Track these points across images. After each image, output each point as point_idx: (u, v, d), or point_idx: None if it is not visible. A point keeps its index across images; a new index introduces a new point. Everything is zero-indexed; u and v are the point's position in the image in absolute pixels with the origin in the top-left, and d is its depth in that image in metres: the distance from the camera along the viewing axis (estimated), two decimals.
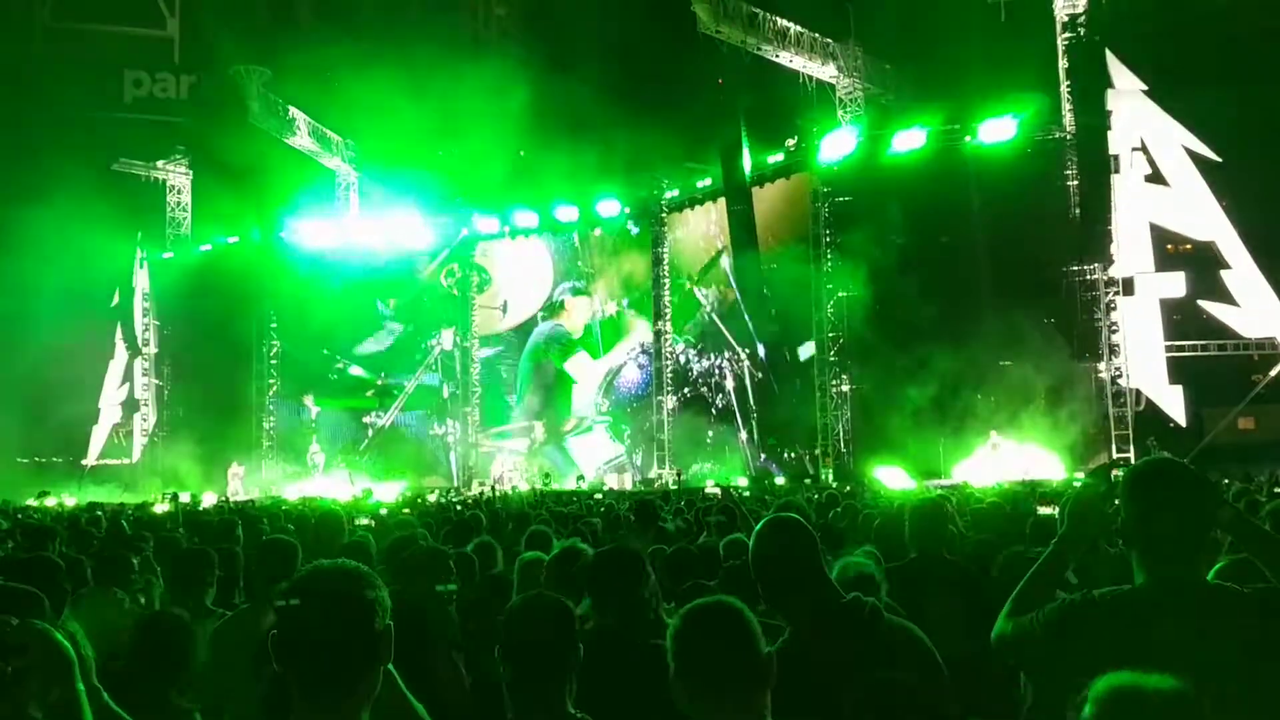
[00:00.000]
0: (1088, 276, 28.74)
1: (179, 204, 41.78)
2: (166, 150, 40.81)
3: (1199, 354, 28.31)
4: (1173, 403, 27.72)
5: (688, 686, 2.55)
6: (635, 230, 36.26)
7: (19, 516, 15.45)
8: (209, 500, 24.58)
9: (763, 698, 2.54)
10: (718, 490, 9.57)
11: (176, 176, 41.59)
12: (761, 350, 32.13)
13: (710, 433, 34.07)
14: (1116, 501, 3.02)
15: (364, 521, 10.18)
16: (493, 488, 30.60)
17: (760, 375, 32.60)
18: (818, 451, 29.83)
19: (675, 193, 35.47)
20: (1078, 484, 16.66)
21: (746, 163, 31.45)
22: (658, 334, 35.68)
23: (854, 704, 2.74)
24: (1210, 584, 3.02)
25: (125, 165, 39.92)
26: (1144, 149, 27.90)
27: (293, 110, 38.57)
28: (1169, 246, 28.81)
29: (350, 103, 34.25)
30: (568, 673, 2.83)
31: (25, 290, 34.40)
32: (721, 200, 32.53)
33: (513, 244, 38.43)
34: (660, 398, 35.29)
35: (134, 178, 40.44)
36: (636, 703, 2.99)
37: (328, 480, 34.96)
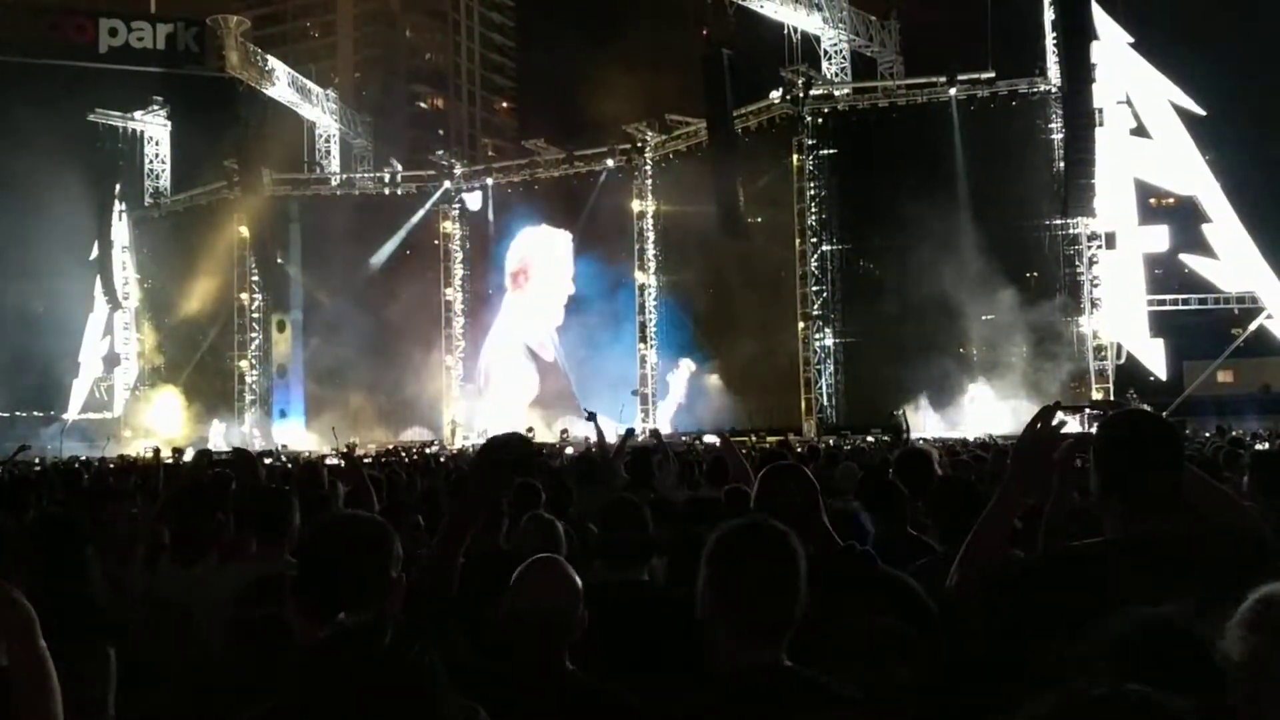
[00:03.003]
0: (1070, 230, 28.80)
1: (157, 155, 41.35)
2: (143, 101, 40.35)
3: (1180, 308, 28.49)
4: (1153, 356, 27.90)
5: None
6: None
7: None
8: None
9: None
10: (715, 440, 9.42)
11: (154, 128, 41.13)
12: None
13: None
14: (1064, 444, 3.00)
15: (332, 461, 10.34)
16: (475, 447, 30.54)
17: None
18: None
19: (661, 137, 35.21)
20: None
21: (731, 114, 31.27)
22: (641, 288, 35.60)
23: (844, 648, 2.76)
24: (1184, 535, 3.04)
25: (102, 116, 39.44)
26: (1128, 102, 27.84)
27: (271, 60, 38.11)
28: (1152, 200, 28.90)
29: (330, 52, 33.83)
30: (572, 636, 2.84)
31: (2, 243, 34.05)
32: None
33: None
34: (644, 351, 35.29)
35: (111, 129, 39.98)
36: None
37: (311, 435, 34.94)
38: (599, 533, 4.16)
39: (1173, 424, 3.05)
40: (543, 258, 37.44)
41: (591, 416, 8.09)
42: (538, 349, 37.87)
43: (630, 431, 8.07)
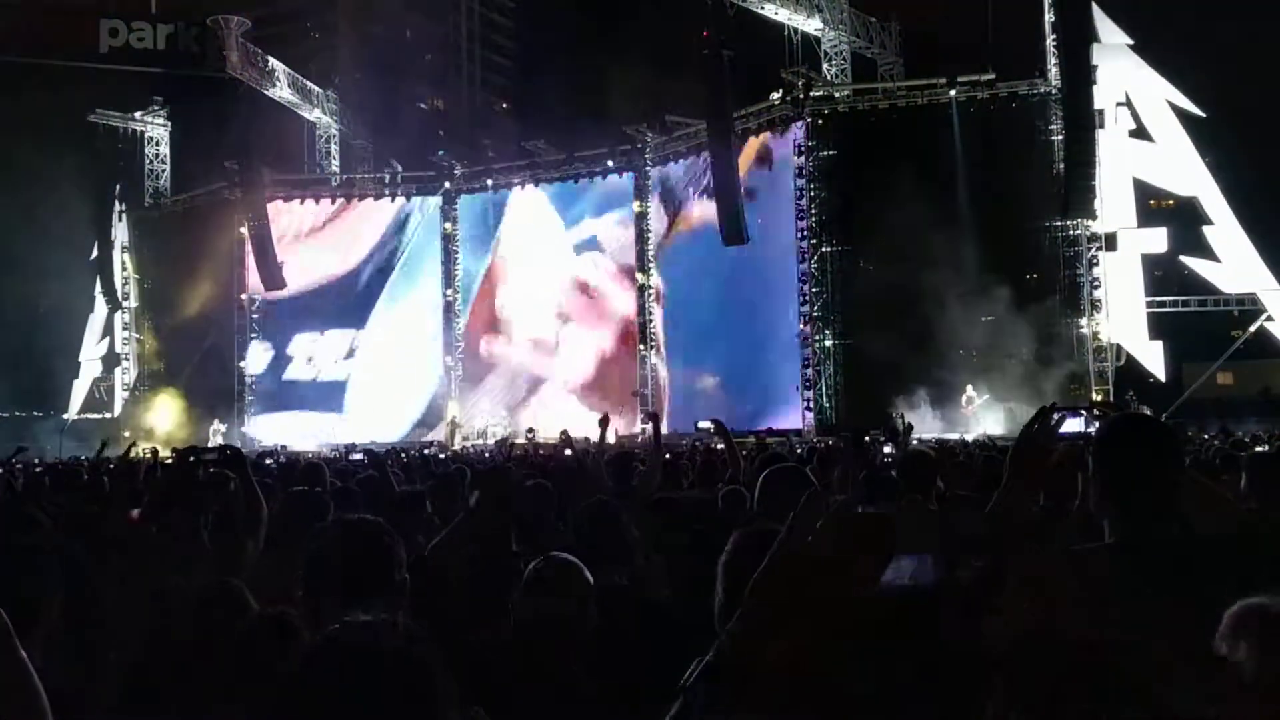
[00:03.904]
0: (1070, 232, 28.80)
1: (157, 156, 41.36)
2: (144, 101, 40.35)
3: (1180, 309, 28.49)
4: (1153, 358, 27.90)
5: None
6: None
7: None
8: None
9: None
10: (710, 425, 9.37)
11: (154, 128, 41.14)
12: None
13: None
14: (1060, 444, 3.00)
15: (357, 456, 10.45)
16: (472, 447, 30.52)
17: None
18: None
19: (662, 138, 35.14)
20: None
21: (731, 115, 31.22)
22: (641, 289, 35.58)
23: None
24: (1181, 537, 3.05)
25: (102, 116, 39.44)
26: (1128, 104, 27.86)
27: (272, 61, 38.11)
28: (1151, 202, 28.87)
29: (330, 52, 33.80)
30: (581, 637, 2.85)
31: (1, 243, 34.04)
32: None
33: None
34: (644, 352, 35.28)
35: (111, 129, 39.99)
36: None
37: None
38: (575, 535, 4.17)
39: (1171, 427, 3.07)
40: (552, 255, 37.41)
41: (652, 418, 8.14)
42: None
43: (604, 418, 8.12)
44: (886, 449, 10.86)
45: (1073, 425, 3.17)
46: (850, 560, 1.11)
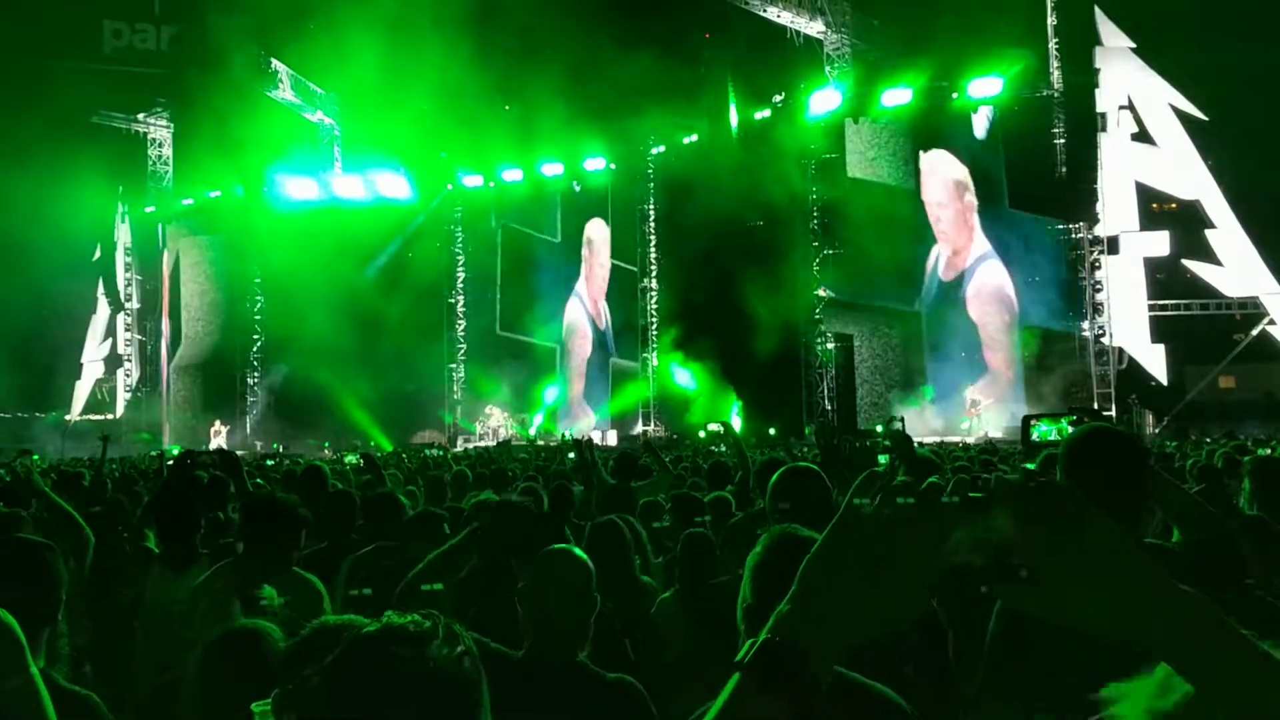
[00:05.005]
0: (1073, 235, 28.79)
1: (160, 157, 41.34)
2: (147, 102, 40.33)
3: (1181, 313, 28.47)
4: (1155, 361, 27.88)
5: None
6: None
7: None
8: None
9: None
10: (719, 427, 9.36)
11: (157, 129, 41.12)
12: None
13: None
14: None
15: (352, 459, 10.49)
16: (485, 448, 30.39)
17: None
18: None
19: (661, 148, 35.18)
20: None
21: (733, 118, 31.24)
22: (643, 291, 35.58)
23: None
24: (1147, 543, 3.07)
25: (105, 117, 39.43)
26: (1131, 107, 27.85)
27: (275, 63, 38.09)
28: (1154, 205, 28.86)
29: (334, 54, 33.76)
30: (586, 626, 2.87)
31: (4, 244, 34.01)
32: None
33: None
34: (646, 354, 35.27)
35: (114, 130, 39.97)
36: None
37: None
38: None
39: (1135, 440, 3.08)
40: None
41: (576, 444, 8.20)
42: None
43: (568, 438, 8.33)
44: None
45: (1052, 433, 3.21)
46: (909, 539, 1.10)
